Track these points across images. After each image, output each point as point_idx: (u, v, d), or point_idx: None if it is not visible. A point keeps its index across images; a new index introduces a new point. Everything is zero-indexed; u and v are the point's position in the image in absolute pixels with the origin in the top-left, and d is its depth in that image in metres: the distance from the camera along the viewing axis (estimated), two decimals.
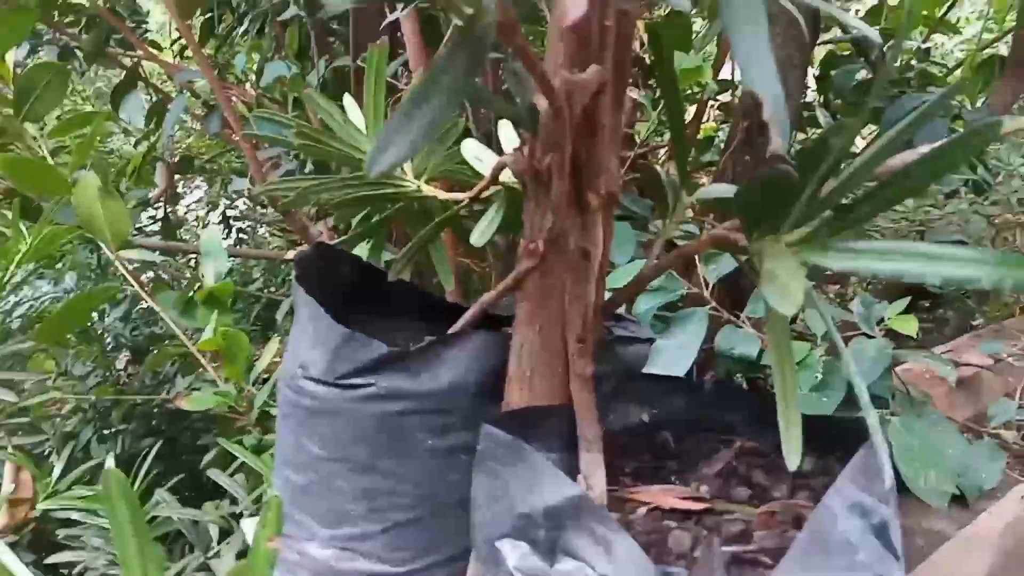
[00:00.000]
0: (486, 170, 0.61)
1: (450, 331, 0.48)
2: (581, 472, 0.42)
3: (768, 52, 0.26)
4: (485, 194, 0.57)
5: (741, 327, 1.10)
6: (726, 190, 0.44)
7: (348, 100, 0.67)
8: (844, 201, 0.32)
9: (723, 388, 0.48)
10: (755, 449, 0.45)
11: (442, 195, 0.59)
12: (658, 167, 0.41)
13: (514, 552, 0.34)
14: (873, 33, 0.44)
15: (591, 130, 0.38)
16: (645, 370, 0.54)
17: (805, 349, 1.03)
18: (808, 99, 1.77)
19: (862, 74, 1.61)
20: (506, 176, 0.55)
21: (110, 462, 0.90)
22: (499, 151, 0.63)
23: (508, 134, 0.60)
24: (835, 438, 0.42)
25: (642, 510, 0.40)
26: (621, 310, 0.60)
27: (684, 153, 0.41)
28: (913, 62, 1.63)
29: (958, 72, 1.82)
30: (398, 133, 0.24)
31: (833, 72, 1.62)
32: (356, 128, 0.63)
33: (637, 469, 0.45)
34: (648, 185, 0.40)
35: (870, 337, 1.05)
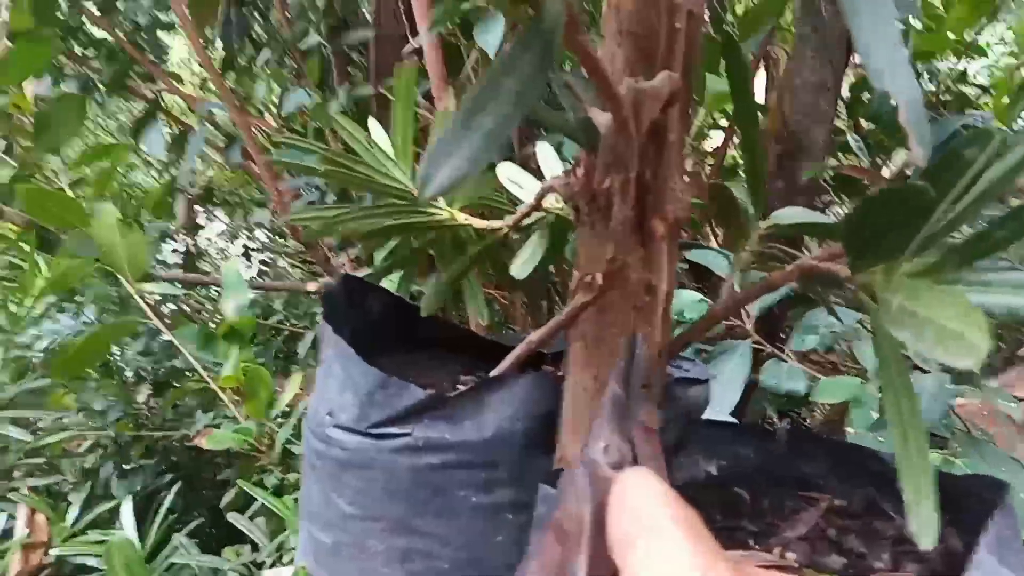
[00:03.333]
0: (525, 196, 0.56)
1: (493, 373, 0.43)
2: None
3: (901, 47, 0.21)
4: (525, 222, 0.52)
5: (786, 361, 1.04)
6: (802, 214, 0.39)
7: (373, 123, 0.63)
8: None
9: (799, 435, 0.43)
10: (844, 509, 0.40)
11: (478, 224, 0.55)
12: (734, 190, 0.36)
13: None
14: None
15: (658, 147, 0.33)
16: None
17: (856, 385, 0.97)
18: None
19: None
20: (547, 202, 0.51)
21: (127, 508, 0.85)
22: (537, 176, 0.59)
23: (548, 157, 0.55)
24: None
25: None
26: None
27: (760, 175, 0.36)
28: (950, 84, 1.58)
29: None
30: (454, 148, 0.20)
31: (866, 96, 1.57)
32: (384, 152, 0.59)
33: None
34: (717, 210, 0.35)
35: (924, 371, 0.98)
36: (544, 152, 0.55)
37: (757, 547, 0.38)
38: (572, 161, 0.40)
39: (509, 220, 0.51)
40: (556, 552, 0.27)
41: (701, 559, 0.20)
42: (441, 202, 0.57)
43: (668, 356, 0.39)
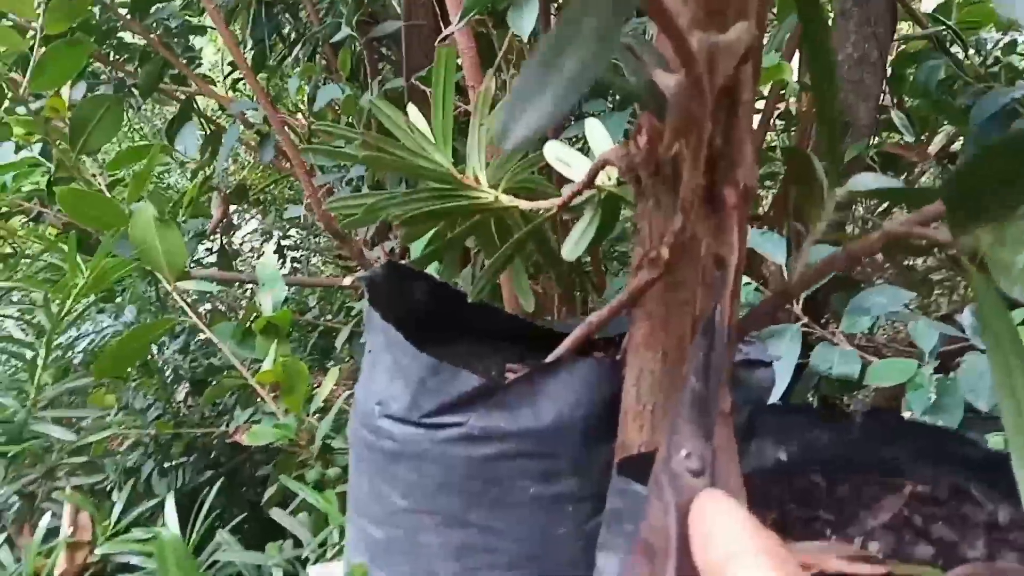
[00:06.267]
0: (574, 174, 0.54)
1: (550, 358, 0.41)
2: None
3: None
4: (575, 201, 0.50)
5: (836, 344, 1.00)
6: (880, 180, 0.36)
7: (412, 109, 0.61)
8: None
9: (876, 418, 0.40)
10: (929, 495, 0.37)
11: (524, 205, 0.53)
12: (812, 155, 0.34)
13: None
14: None
15: (730, 108, 0.31)
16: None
17: (912, 367, 0.93)
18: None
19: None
20: (599, 179, 0.49)
21: (170, 505, 0.85)
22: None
23: (597, 133, 0.53)
24: None
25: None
26: None
27: (836, 137, 0.34)
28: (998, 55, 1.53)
29: None
30: (535, 95, 0.18)
31: (909, 71, 1.52)
32: (423, 136, 0.57)
33: (782, 520, 0.37)
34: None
35: (985, 353, 0.94)
36: (593, 128, 0.53)
37: (836, 537, 0.36)
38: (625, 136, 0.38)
39: (558, 200, 0.49)
40: (645, 569, 0.25)
41: None
42: (485, 184, 0.56)
43: (737, 338, 0.36)
